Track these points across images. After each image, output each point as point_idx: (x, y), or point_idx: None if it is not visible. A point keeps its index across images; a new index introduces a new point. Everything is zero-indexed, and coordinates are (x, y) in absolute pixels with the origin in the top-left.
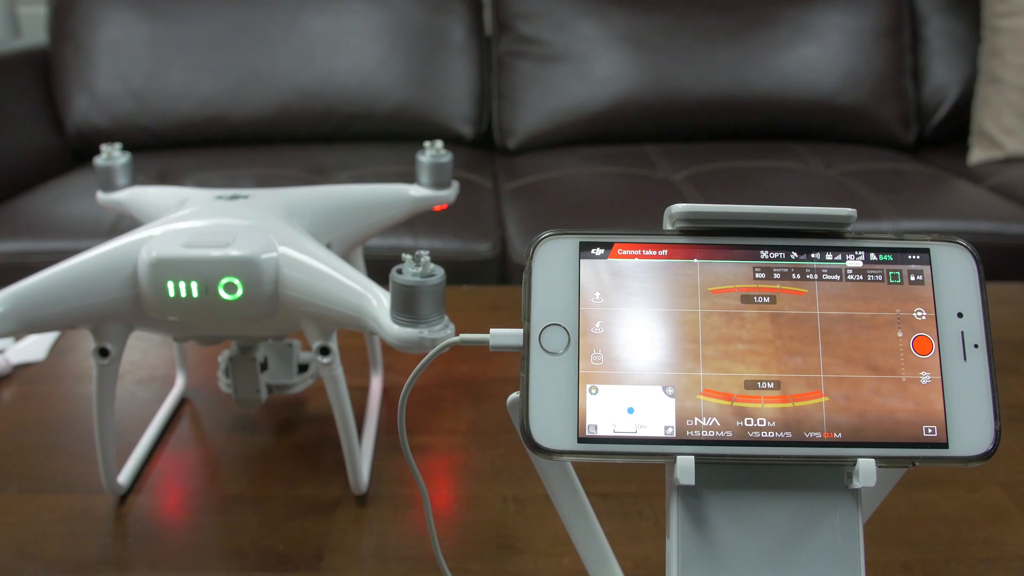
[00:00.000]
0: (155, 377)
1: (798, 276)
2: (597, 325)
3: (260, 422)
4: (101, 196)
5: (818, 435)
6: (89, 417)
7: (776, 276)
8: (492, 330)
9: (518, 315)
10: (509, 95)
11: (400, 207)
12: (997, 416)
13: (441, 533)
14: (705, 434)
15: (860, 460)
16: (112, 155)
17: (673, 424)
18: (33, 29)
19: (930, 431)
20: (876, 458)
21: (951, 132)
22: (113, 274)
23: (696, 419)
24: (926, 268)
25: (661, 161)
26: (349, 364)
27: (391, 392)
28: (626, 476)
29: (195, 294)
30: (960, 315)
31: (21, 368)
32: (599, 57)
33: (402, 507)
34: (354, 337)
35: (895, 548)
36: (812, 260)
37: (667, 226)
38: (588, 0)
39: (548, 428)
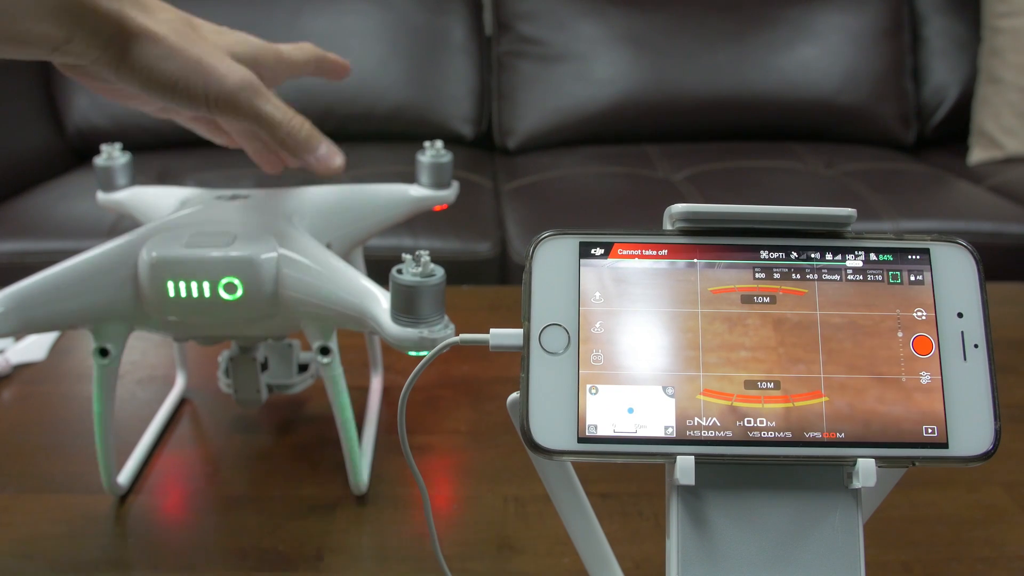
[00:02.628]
0: (155, 377)
1: (798, 276)
2: (597, 325)
3: (260, 422)
4: (101, 196)
5: (818, 435)
6: (89, 417)
7: (776, 276)
8: (492, 330)
9: (518, 315)
10: (509, 95)
11: (400, 207)
12: (997, 416)
13: (441, 533)
14: (705, 434)
15: (860, 460)
16: (112, 155)
17: (673, 424)
18: None
19: (930, 431)
20: (876, 458)
21: (951, 132)
22: (113, 274)
23: (696, 419)
24: (926, 268)
25: (661, 161)
26: (349, 364)
27: (391, 392)
28: (626, 476)
29: (195, 294)
30: (960, 315)
31: (21, 368)
32: (599, 57)
33: (402, 507)
34: (354, 337)
35: (895, 548)
36: (812, 260)
37: (667, 226)
38: (588, 0)
39: (548, 428)
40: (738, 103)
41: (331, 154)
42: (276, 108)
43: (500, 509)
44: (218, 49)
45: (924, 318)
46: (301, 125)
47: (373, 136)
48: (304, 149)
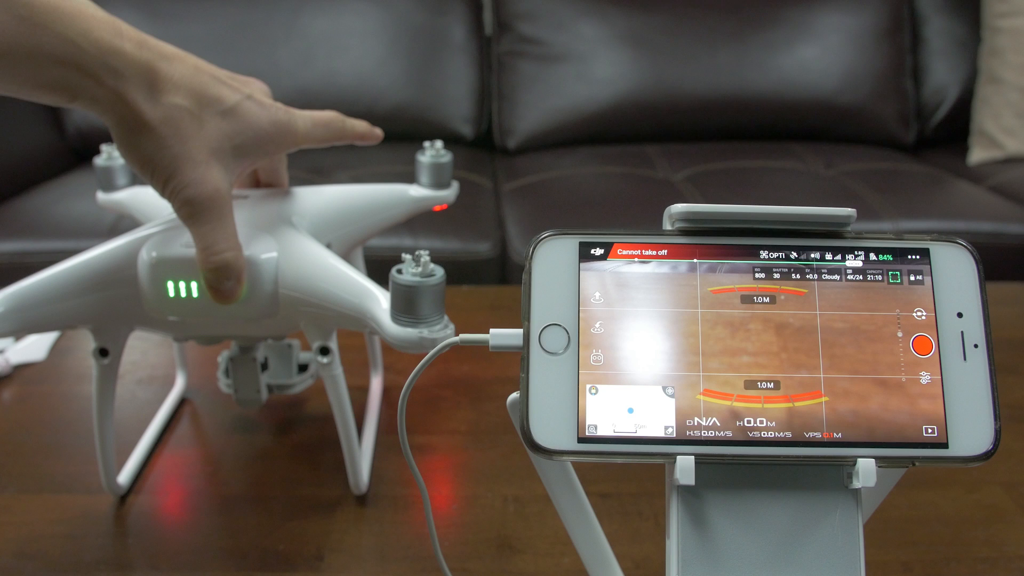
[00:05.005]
0: (155, 377)
1: (798, 276)
2: (597, 325)
3: (260, 422)
4: (101, 196)
5: (818, 435)
6: (89, 417)
7: (776, 276)
8: (492, 330)
9: (518, 315)
10: (509, 95)
11: (400, 207)
12: (997, 416)
13: (441, 533)
14: (705, 434)
15: (860, 460)
16: (112, 155)
17: (673, 424)
18: None
19: (930, 431)
20: (876, 458)
21: (951, 132)
22: (113, 274)
23: (696, 419)
24: (926, 268)
25: (661, 161)
26: (349, 364)
27: (391, 392)
28: (626, 476)
29: (195, 294)
30: (960, 315)
31: (21, 368)
32: (599, 57)
33: (402, 507)
34: (354, 337)
35: (895, 548)
36: (812, 260)
37: (667, 226)
38: (588, 0)
39: (548, 428)
40: (738, 103)
41: (232, 290)
42: (210, 235)
43: (500, 509)
44: (204, 149)
45: (924, 318)
46: (220, 257)
47: None
48: (209, 278)
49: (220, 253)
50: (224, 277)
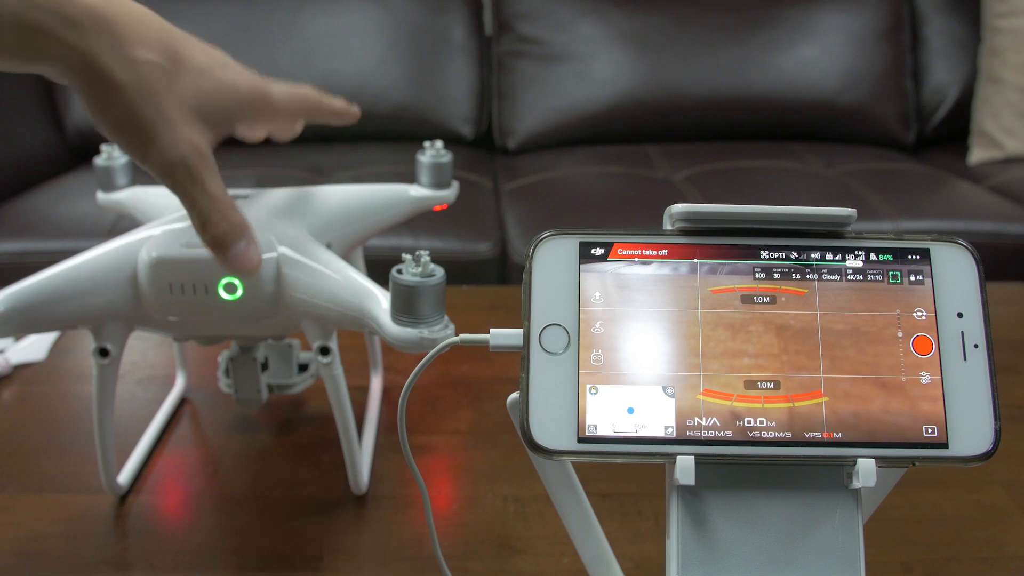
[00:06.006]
0: (155, 377)
1: (798, 276)
2: (597, 325)
3: (260, 422)
4: (101, 196)
5: (818, 435)
6: (89, 417)
7: (776, 276)
8: (492, 330)
9: (518, 315)
10: (509, 95)
11: (400, 207)
12: (997, 416)
13: (441, 533)
14: (705, 434)
15: (860, 460)
16: (112, 155)
17: (673, 424)
18: None
19: (930, 431)
20: (876, 458)
21: (951, 132)
22: (113, 274)
23: (696, 419)
24: (926, 268)
25: (661, 161)
26: (349, 364)
27: (391, 392)
28: (626, 476)
29: (195, 294)
30: (960, 315)
31: (21, 368)
32: (599, 57)
33: (402, 507)
34: (354, 337)
35: (895, 548)
36: (812, 260)
37: (667, 226)
38: (588, 0)
39: (548, 428)
40: (738, 103)
41: (248, 252)
42: (205, 194)
43: (500, 509)
44: (180, 107)
45: (924, 318)
46: (221, 221)
47: (373, 136)
48: (219, 246)
49: (219, 218)
50: (233, 239)
